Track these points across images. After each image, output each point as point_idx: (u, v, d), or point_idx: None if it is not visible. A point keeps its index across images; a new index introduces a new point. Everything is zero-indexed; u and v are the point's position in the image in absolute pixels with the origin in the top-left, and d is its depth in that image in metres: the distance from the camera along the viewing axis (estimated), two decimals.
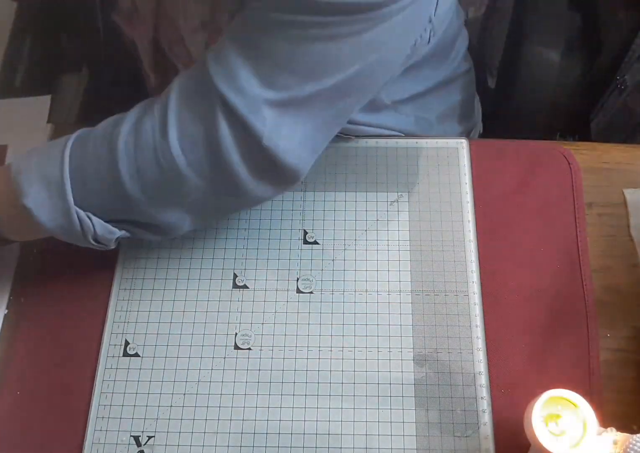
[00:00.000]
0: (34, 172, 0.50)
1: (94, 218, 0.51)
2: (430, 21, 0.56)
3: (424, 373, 0.59)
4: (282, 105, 0.48)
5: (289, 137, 0.49)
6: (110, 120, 0.51)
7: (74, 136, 0.51)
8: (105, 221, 0.52)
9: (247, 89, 0.47)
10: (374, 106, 0.66)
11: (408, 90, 0.70)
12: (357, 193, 0.67)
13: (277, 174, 0.51)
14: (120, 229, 0.53)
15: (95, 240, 0.53)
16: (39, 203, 0.49)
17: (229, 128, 0.47)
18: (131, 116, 0.50)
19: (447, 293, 0.62)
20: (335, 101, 0.50)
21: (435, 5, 0.54)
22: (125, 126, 0.49)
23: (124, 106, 0.71)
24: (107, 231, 0.52)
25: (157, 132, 0.48)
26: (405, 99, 0.70)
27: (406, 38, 0.52)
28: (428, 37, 0.58)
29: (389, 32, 0.48)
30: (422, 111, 0.73)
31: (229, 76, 0.47)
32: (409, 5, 0.47)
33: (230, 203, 0.55)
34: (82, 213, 0.50)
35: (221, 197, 0.52)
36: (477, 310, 0.61)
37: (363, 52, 0.48)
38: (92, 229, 0.51)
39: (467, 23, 0.78)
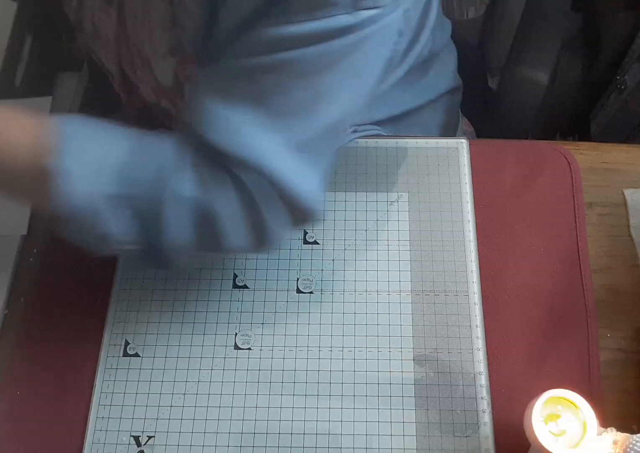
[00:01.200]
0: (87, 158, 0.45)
1: (119, 223, 0.47)
2: (400, 35, 0.53)
3: (424, 373, 0.59)
4: (295, 149, 0.47)
5: (309, 180, 0.48)
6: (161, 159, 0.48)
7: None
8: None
9: (253, 143, 0.46)
10: None
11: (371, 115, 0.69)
12: (357, 193, 0.67)
13: (297, 217, 0.50)
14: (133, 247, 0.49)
15: (100, 240, 0.48)
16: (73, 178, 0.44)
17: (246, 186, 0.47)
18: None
19: (447, 293, 0.62)
20: (340, 132, 0.50)
21: (403, 19, 0.52)
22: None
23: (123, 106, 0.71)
24: (120, 242, 0.48)
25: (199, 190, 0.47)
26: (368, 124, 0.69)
27: (380, 56, 0.50)
28: (402, 50, 0.57)
29: (365, 54, 0.47)
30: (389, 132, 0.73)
31: (231, 136, 0.46)
32: (379, 22, 0.46)
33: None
34: (110, 211, 0.46)
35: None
36: (477, 310, 0.61)
37: (347, 78, 0.48)
38: (108, 230, 0.47)
39: (467, 23, 0.78)
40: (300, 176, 0.47)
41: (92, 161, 0.46)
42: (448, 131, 0.81)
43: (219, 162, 0.47)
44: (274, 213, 0.48)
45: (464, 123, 0.88)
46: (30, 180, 0.47)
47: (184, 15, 0.52)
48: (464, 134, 0.87)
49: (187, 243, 0.48)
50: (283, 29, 0.44)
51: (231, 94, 0.46)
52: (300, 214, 0.50)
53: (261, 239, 0.50)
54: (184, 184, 0.46)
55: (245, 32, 0.45)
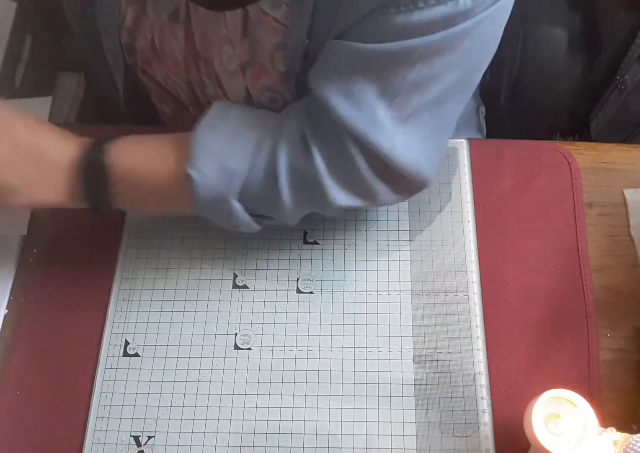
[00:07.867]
0: (215, 154, 0.51)
1: (244, 213, 0.54)
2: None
3: (424, 373, 0.59)
4: (396, 122, 0.50)
5: (407, 148, 0.51)
6: (266, 143, 0.53)
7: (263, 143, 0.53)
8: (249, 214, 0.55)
9: (372, 114, 0.50)
10: None
11: None
12: None
13: (403, 183, 0.54)
14: (257, 223, 0.56)
15: (233, 226, 0.56)
16: (205, 180, 0.51)
17: (360, 152, 0.51)
18: (283, 147, 0.52)
19: (447, 293, 0.62)
20: (437, 109, 0.52)
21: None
22: (281, 158, 0.52)
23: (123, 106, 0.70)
24: (247, 224, 0.55)
25: (307, 161, 0.52)
26: None
27: (494, 38, 0.52)
28: None
29: (480, 37, 0.49)
30: None
31: (357, 108, 0.49)
32: (492, 7, 0.47)
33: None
34: (237, 205, 0.53)
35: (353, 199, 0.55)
36: (477, 310, 0.61)
37: (460, 61, 0.49)
38: (237, 221, 0.54)
39: None
40: (402, 147, 0.51)
41: (219, 167, 0.51)
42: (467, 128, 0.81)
43: (334, 135, 0.51)
44: (379, 172, 0.52)
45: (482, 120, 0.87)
46: (171, 189, 0.53)
47: (267, 26, 0.52)
48: (481, 130, 0.87)
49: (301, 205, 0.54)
50: (409, 17, 0.45)
51: (353, 76, 0.48)
52: (406, 183, 0.54)
53: (369, 197, 0.55)
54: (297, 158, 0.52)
55: (370, 20, 0.46)
